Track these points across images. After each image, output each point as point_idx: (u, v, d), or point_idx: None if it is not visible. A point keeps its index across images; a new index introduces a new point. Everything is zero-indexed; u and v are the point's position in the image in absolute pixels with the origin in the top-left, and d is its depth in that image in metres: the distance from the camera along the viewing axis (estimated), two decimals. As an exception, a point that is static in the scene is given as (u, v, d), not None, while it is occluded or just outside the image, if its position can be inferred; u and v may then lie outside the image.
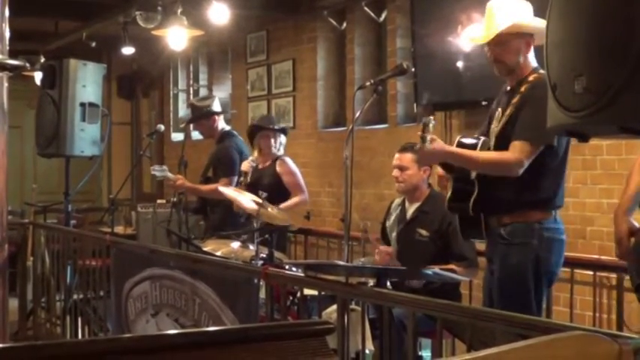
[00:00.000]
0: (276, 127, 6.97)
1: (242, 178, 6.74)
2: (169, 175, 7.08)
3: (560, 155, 4.23)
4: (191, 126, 8.17)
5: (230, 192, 6.25)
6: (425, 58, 7.51)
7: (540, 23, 4.18)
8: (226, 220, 6.92)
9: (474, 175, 4.25)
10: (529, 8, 4.29)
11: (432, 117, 4.20)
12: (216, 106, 7.28)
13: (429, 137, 4.09)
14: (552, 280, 4.36)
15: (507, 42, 4.23)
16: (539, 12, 4.30)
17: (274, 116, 8.78)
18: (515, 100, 4.21)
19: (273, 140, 6.87)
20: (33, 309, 8.06)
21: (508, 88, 4.36)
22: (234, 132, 7.52)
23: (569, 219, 6.58)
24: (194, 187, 7.11)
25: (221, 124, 7.31)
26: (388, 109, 8.81)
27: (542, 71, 4.15)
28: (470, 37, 4.48)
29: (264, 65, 10.77)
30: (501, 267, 4.24)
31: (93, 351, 1.72)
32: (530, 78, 4.23)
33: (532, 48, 4.29)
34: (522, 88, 4.22)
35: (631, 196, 4.04)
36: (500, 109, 4.32)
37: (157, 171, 7.15)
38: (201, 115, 7.22)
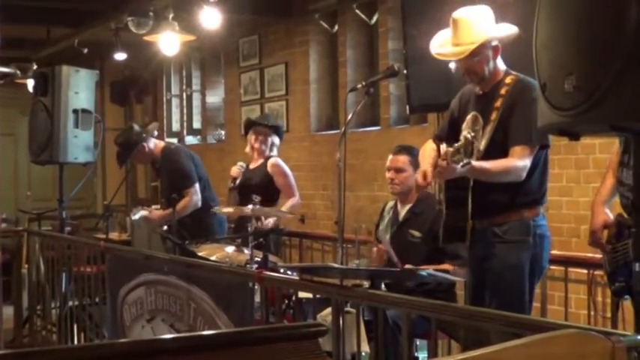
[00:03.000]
0: (269, 123, 6.95)
1: (232, 184, 6.76)
2: (144, 213, 7.09)
3: (545, 154, 4.36)
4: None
5: (225, 210, 6.34)
6: (417, 60, 7.51)
7: (505, 29, 4.33)
8: (200, 222, 6.92)
9: (471, 182, 4.27)
10: (490, 13, 4.36)
11: (474, 135, 4.13)
12: (138, 134, 7.20)
13: (465, 160, 4.00)
14: (542, 275, 4.55)
15: (479, 53, 4.29)
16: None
17: (270, 115, 8.72)
18: (497, 103, 4.27)
19: (262, 138, 6.85)
20: (29, 316, 8.05)
21: (479, 92, 4.42)
22: (173, 143, 7.53)
23: (563, 218, 6.60)
24: (168, 214, 6.88)
25: (153, 143, 7.26)
26: (381, 111, 8.82)
27: (514, 73, 4.33)
28: (440, 52, 4.43)
29: (256, 69, 10.77)
30: (499, 265, 4.30)
31: (86, 357, 1.72)
32: (507, 80, 4.32)
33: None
34: (502, 91, 4.29)
35: (608, 188, 4.10)
36: (476, 114, 4.36)
37: (135, 214, 7.15)
38: (130, 149, 7.16)
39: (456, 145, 4.06)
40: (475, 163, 4.15)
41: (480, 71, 4.35)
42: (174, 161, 7.11)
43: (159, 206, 7.81)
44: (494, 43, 4.33)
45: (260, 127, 6.89)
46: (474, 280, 4.43)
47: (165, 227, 6.87)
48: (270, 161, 6.81)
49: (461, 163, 3.94)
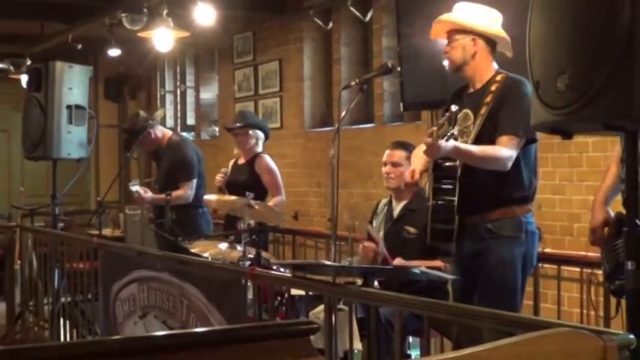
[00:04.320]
0: (241, 124, 6.93)
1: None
2: (139, 188, 7.08)
3: (534, 150, 4.40)
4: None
5: (214, 197, 6.30)
6: (411, 57, 7.52)
7: (489, 28, 4.37)
8: (187, 221, 6.91)
9: (458, 173, 4.27)
10: (493, 16, 4.41)
11: (458, 107, 4.21)
12: (144, 121, 7.20)
13: (450, 132, 4.04)
14: (530, 273, 4.58)
15: (454, 40, 4.40)
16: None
17: (252, 113, 8.61)
18: (487, 99, 4.30)
19: (241, 139, 6.86)
20: (21, 313, 8.03)
21: (471, 90, 4.47)
22: (180, 134, 7.52)
23: (556, 216, 6.61)
24: (159, 197, 6.97)
25: (161, 131, 7.27)
26: (375, 108, 8.82)
27: (505, 72, 4.38)
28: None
29: (250, 66, 10.76)
30: (492, 261, 4.32)
31: (77, 353, 1.71)
32: (498, 78, 4.36)
33: (493, 52, 4.42)
34: (492, 88, 4.33)
35: (609, 186, 4.11)
36: (467, 111, 4.38)
37: (134, 185, 7.13)
38: (136, 134, 7.15)
39: (442, 119, 4.10)
40: (460, 144, 4.19)
41: (454, 57, 4.42)
42: (181, 152, 7.12)
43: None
44: (470, 38, 4.36)
45: (234, 130, 6.89)
46: (463, 277, 4.42)
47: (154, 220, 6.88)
48: (258, 158, 6.82)
49: (446, 137, 3.97)
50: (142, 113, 7.35)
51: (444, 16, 4.45)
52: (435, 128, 4.10)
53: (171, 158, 7.14)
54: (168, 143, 7.22)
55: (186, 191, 6.93)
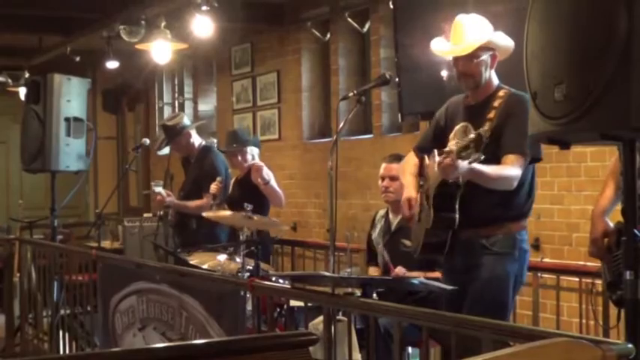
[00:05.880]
0: (236, 145, 6.94)
1: (212, 202, 6.76)
2: (162, 190, 7.08)
3: (532, 167, 4.34)
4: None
5: (213, 215, 6.31)
6: (408, 68, 7.52)
7: (506, 40, 4.30)
8: (213, 233, 6.91)
9: (460, 189, 4.24)
10: (488, 23, 4.35)
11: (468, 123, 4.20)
12: (187, 122, 7.27)
13: (475, 155, 4.02)
14: (518, 291, 4.49)
15: (478, 56, 4.28)
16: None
17: (242, 130, 8.58)
18: (490, 115, 4.22)
19: (240, 157, 6.88)
20: (20, 325, 8.02)
21: (471, 102, 4.40)
22: (212, 146, 7.54)
23: (554, 226, 6.61)
24: (183, 204, 7.08)
25: (196, 139, 7.28)
26: (373, 119, 8.83)
27: (506, 87, 4.33)
28: (440, 49, 4.45)
29: (248, 77, 10.77)
30: (486, 275, 4.27)
31: (76, 366, 1.72)
32: (501, 93, 4.30)
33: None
34: (495, 104, 4.26)
35: (608, 197, 4.11)
36: (465, 124, 4.28)
37: (158, 185, 7.13)
38: (175, 134, 7.17)
39: (465, 140, 4.03)
40: (475, 165, 4.15)
41: (477, 75, 4.30)
42: (211, 163, 7.12)
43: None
44: (490, 53, 4.30)
45: (233, 151, 6.91)
46: (454, 290, 4.36)
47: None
48: (252, 168, 6.83)
49: (469, 159, 3.92)
50: (185, 117, 7.41)
51: (475, 35, 4.27)
52: (454, 148, 4.01)
53: (201, 166, 7.16)
54: (199, 153, 7.24)
55: (208, 202, 6.94)
